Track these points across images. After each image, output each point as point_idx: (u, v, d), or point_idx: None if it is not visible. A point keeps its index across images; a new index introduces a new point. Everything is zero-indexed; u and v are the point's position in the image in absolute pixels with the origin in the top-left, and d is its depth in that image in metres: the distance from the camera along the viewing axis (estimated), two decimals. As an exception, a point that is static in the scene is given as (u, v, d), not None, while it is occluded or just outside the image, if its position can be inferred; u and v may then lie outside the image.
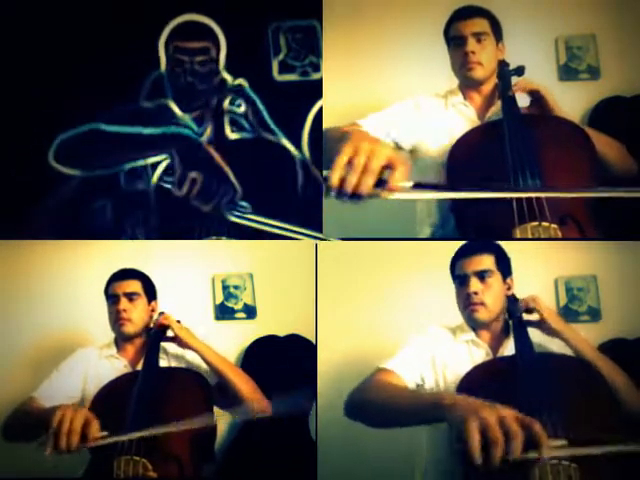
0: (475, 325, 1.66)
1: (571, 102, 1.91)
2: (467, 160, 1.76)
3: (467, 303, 1.64)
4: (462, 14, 1.87)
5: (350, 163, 1.25)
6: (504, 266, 1.67)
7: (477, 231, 1.70)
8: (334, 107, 1.90)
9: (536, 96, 1.81)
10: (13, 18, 1.90)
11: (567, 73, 2.06)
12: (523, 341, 1.55)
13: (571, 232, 1.64)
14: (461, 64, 1.86)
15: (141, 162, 1.87)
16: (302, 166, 1.90)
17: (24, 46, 1.90)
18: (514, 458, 1.08)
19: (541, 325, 1.60)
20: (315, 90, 1.90)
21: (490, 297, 1.63)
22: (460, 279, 1.66)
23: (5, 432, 1.65)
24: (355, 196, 1.26)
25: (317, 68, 1.91)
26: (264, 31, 1.91)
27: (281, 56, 1.91)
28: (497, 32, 1.87)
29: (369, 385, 1.53)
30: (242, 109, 1.90)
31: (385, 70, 2.10)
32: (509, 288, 1.67)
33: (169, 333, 1.77)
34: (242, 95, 1.91)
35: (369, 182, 1.24)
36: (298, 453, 1.83)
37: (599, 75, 2.04)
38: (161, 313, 1.81)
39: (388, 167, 1.26)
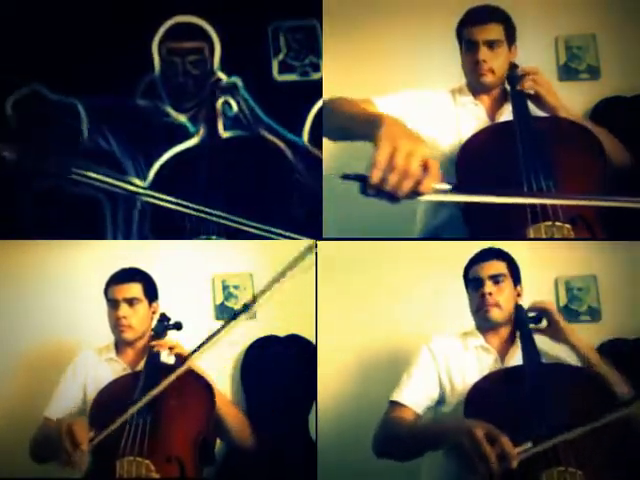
0: (488, 325, 1.70)
1: (571, 102, 1.91)
2: (478, 160, 1.75)
3: (482, 304, 1.69)
4: (477, 18, 1.82)
5: (389, 162, 1.26)
6: (515, 273, 1.73)
7: (489, 231, 1.71)
8: (334, 107, 1.90)
9: (537, 96, 1.82)
10: (8, 17, 1.90)
11: (567, 73, 2.06)
12: (530, 351, 1.61)
13: (581, 232, 1.65)
14: (472, 69, 1.85)
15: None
16: (302, 166, 1.90)
17: (17, 44, 1.90)
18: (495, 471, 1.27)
19: (549, 331, 1.66)
20: (315, 90, 1.90)
21: (503, 299, 1.69)
22: (475, 282, 1.72)
23: (35, 456, 1.68)
24: (393, 197, 1.28)
25: (317, 68, 1.91)
26: (264, 31, 1.91)
27: (281, 56, 1.91)
28: (511, 36, 1.84)
29: (388, 425, 1.62)
30: (237, 109, 1.90)
31: (385, 70, 2.09)
32: (519, 295, 1.73)
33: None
34: (237, 94, 1.90)
35: (408, 185, 1.26)
36: (298, 453, 1.83)
37: (599, 75, 2.04)
38: (162, 314, 1.81)
39: (423, 167, 1.27)
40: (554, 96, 1.82)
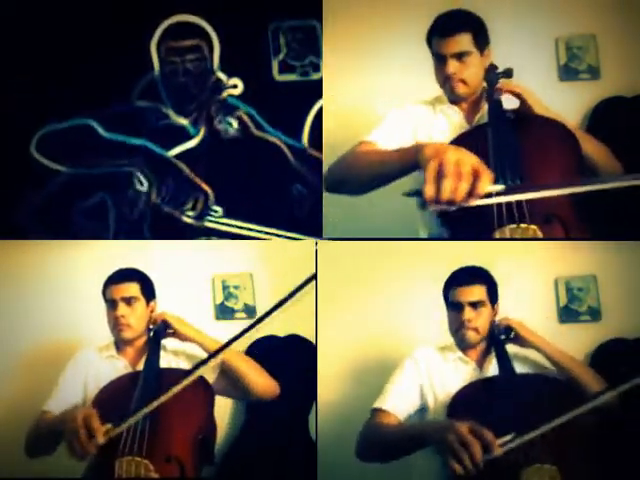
0: (465, 346, 1.76)
1: (571, 102, 1.91)
2: None
3: (460, 327, 1.74)
4: (443, 30, 1.80)
5: (440, 173, 1.30)
6: (493, 295, 1.76)
7: (460, 232, 1.73)
8: (334, 107, 1.90)
9: (519, 98, 1.79)
10: (4, 17, 1.90)
11: (567, 73, 2.06)
12: (504, 363, 1.68)
13: (556, 231, 1.65)
14: (444, 82, 1.84)
15: (118, 169, 1.88)
16: (302, 166, 1.90)
17: (15, 42, 1.89)
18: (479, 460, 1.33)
19: (518, 341, 1.73)
20: (315, 90, 1.90)
21: (481, 323, 1.74)
22: (454, 306, 1.75)
23: (28, 450, 1.69)
24: (450, 203, 1.31)
25: (317, 68, 1.91)
26: (264, 31, 1.91)
27: (281, 56, 1.91)
28: (482, 42, 1.81)
29: (370, 430, 1.68)
30: (238, 111, 1.90)
31: (385, 70, 2.09)
32: (495, 313, 1.77)
33: (169, 330, 1.78)
34: (238, 96, 1.91)
35: (464, 188, 1.30)
36: (298, 453, 1.83)
37: (599, 75, 2.04)
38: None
39: (473, 173, 1.31)
40: (533, 99, 1.79)
